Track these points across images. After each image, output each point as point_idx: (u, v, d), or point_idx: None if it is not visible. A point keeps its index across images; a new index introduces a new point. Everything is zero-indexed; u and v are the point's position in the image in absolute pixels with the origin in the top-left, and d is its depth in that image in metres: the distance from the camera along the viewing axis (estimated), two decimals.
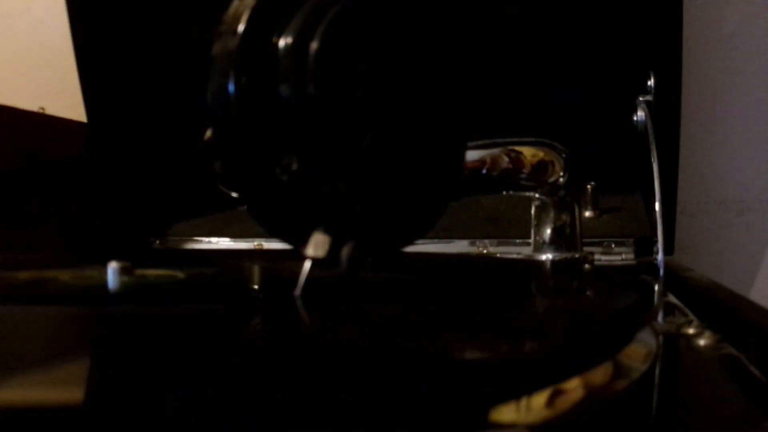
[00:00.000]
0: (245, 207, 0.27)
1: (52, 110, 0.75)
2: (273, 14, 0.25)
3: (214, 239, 0.70)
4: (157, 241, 0.72)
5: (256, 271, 0.49)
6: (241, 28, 0.25)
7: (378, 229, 0.28)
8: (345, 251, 0.27)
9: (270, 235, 0.28)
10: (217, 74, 0.25)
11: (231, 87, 0.24)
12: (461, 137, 0.31)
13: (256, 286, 0.42)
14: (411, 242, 0.30)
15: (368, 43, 0.27)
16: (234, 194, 0.26)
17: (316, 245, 0.27)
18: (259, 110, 0.25)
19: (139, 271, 0.38)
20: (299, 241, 0.27)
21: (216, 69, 0.25)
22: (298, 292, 0.30)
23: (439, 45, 0.29)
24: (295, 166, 0.25)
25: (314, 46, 0.25)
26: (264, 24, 0.25)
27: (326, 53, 0.25)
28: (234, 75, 0.24)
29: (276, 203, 0.26)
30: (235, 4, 0.25)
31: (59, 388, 0.19)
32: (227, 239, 0.69)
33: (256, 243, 0.65)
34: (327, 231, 0.27)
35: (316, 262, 0.27)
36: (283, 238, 0.28)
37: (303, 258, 0.27)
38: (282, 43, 0.25)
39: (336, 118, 0.26)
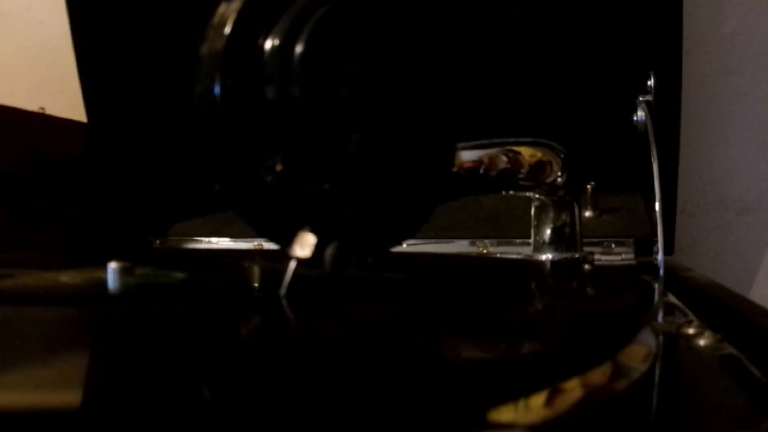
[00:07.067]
0: (233, 207, 0.27)
1: (52, 110, 0.75)
2: (259, 16, 0.25)
3: (214, 239, 0.70)
4: (157, 241, 0.72)
5: (254, 270, 0.49)
6: (227, 30, 0.25)
7: (365, 229, 0.28)
8: (329, 251, 0.27)
9: (257, 234, 0.28)
10: (203, 76, 0.25)
11: (217, 89, 0.24)
12: (450, 137, 0.31)
13: (255, 285, 0.42)
14: (398, 243, 0.30)
15: (355, 45, 0.27)
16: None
17: (302, 245, 0.27)
18: (244, 112, 0.25)
19: (139, 271, 0.38)
20: (286, 241, 0.27)
21: (202, 71, 0.25)
22: (283, 291, 0.30)
23: (429, 45, 0.29)
24: (279, 167, 0.25)
25: (300, 48, 0.25)
26: (250, 26, 0.25)
27: (312, 55, 0.25)
28: (220, 77, 0.24)
29: (261, 204, 0.26)
30: (222, 7, 0.25)
31: (59, 388, 0.19)
32: (227, 239, 0.69)
33: (256, 243, 0.65)
34: (314, 231, 0.27)
35: (301, 261, 0.27)
36: (269, 238, 0.28)
37: (290, 258, 0.28)
38: (268, 44, 0.25)
39: (322, 119, 0.26)
